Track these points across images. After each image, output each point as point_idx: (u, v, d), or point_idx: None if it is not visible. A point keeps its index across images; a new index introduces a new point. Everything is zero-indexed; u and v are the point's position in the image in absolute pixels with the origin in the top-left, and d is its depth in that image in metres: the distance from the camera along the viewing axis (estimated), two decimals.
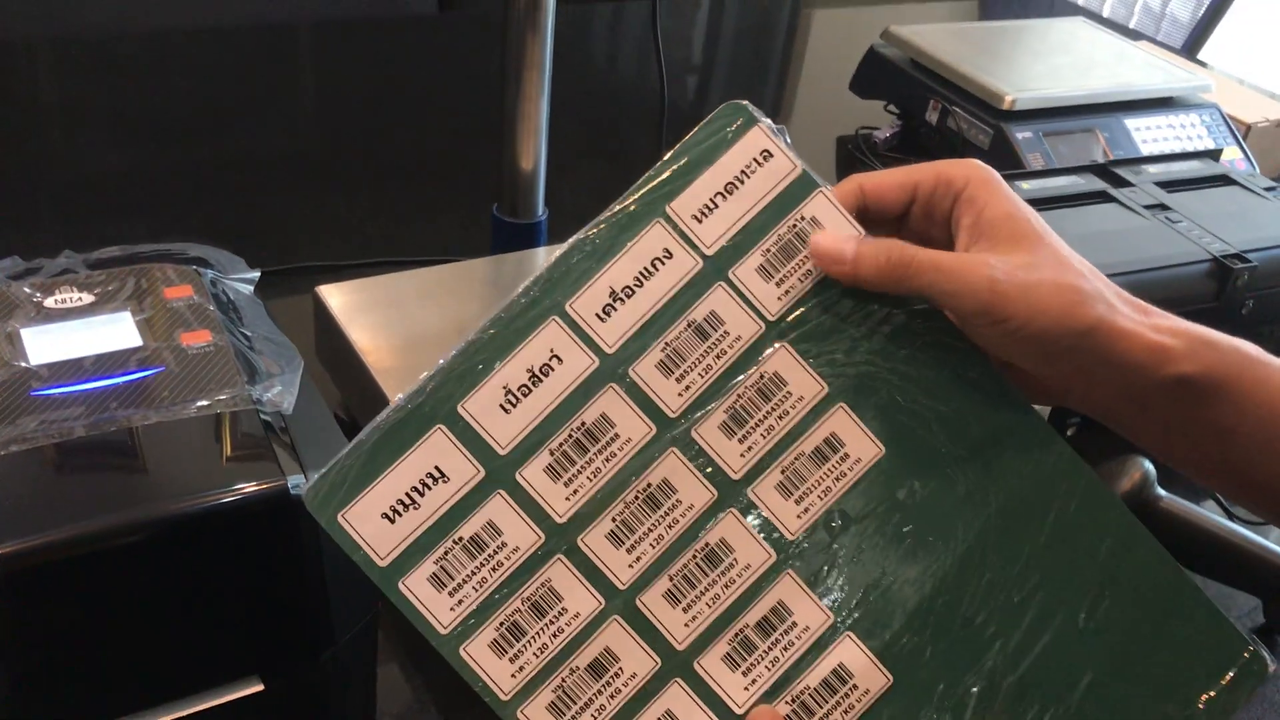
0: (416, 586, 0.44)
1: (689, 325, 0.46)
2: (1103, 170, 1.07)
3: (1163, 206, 1.02)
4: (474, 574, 0.44)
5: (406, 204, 1.19)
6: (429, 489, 0.44)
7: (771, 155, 0.47)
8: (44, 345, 0.58)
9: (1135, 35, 1.70)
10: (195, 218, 1.12)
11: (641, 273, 0.46)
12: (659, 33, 0.97)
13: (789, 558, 0.46)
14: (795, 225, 0.47)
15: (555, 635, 0.44)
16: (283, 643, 0.58)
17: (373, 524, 0.43)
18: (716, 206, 0.47)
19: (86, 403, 0.55)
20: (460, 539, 0.44)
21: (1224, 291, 0.95)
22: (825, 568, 0.46)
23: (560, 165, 1.01)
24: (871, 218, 0.48)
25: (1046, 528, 0.47)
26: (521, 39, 0.87)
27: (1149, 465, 0.80)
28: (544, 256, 0.96)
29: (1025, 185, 1.02)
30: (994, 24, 1.58)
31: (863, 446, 0.47)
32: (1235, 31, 1.92)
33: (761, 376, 0.46)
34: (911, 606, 0.46)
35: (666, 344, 0.46)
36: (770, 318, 0.47)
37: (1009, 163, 1.19)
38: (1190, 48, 1.95)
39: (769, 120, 0.47)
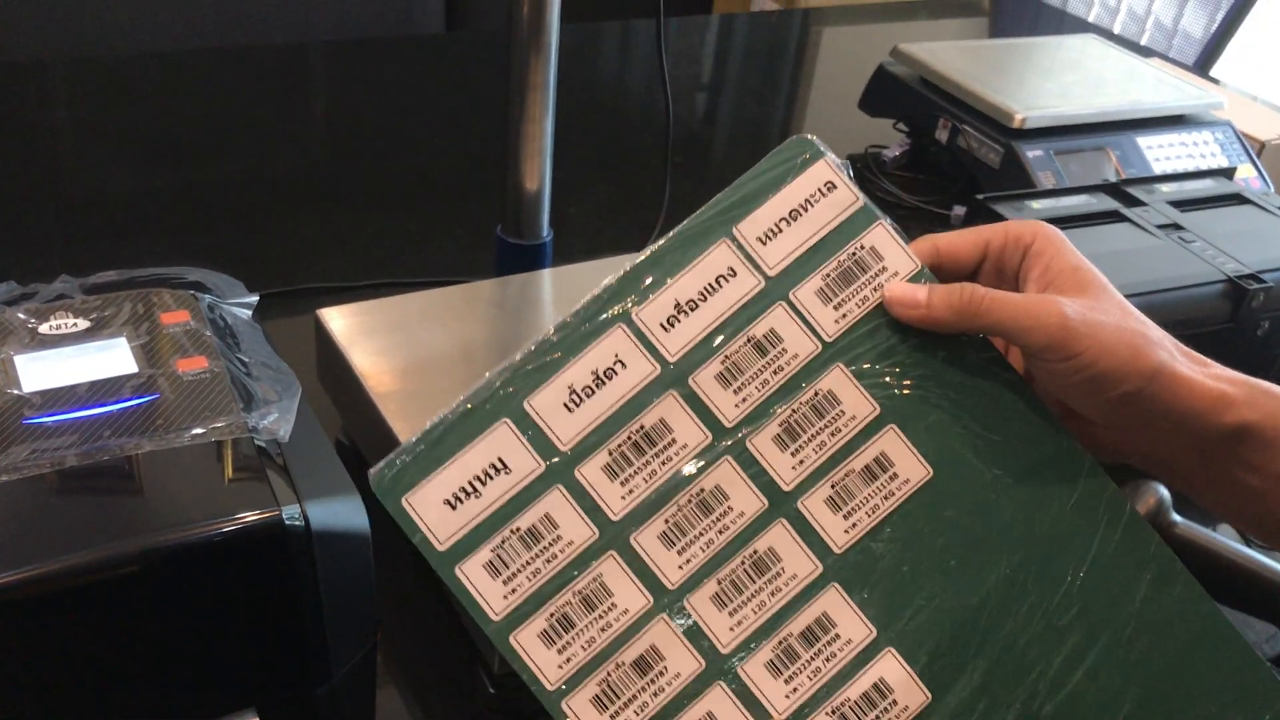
0: (472, 572, 0.45)
1: (749, 340, 0.48)
2: (1115, 189, 1.06)
3: (1176, 226, 1.00)
4: (529, 564, 0.45)
5: (410, 225, 1.19)
6: (491, 479, 0.45)
7: (835, 187, 0.50)
8: (38, 372, 0.57)
9: (1147, 52, 1.69)
10: (198, 238, 1.12)
11: (706, 288, 0.48)
12: (664, 51, 0.96)
13: (835, 571, 0.47)
14: (855, 253, 0.49)
15: (603, 630, 0.45)
16: (279, 675, 0.57)
17: (435, 509, 0.45)
18: (780, 231, 0.49)
19: (80, 431, 0.55)
20: (518, 529, 0.45)
21: (1238, 312, 0.93)
22: (870, 583, 0.47)
23: (565, 186, 1.00)
24: (945, 275, 0.50)
25: (1088, 558, 0.48)
26: (525, 60, 0.86)
27: (1164, 490, 0.78)
28: (549, 278, 0.95)
29: (1036, 205, 1.00)
30: (1004, 42, 1.57)
31: (912, 468, 0.48)
32: (1248, 48, 1.91)
33: (816, 394, 0.48)
34: (953, 627, 0.47)
35: (726, 357, 0.48)
36: (827, 339, 0.49)
37: (1019, 181, 1.18)
38: (1203, 64, 1.94)
39: (834, 155, 0.50)
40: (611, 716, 0.45)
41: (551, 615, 0.45)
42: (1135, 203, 1.04)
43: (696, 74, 1.69)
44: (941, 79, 1.33)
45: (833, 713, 0.46)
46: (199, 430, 0.56)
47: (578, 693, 0.45)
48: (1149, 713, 0.47)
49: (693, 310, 0.48)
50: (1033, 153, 1.21)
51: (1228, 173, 1.14)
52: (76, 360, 0.59)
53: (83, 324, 0.61)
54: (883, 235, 0.50)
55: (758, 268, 0.49)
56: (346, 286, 1.04)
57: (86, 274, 0.65)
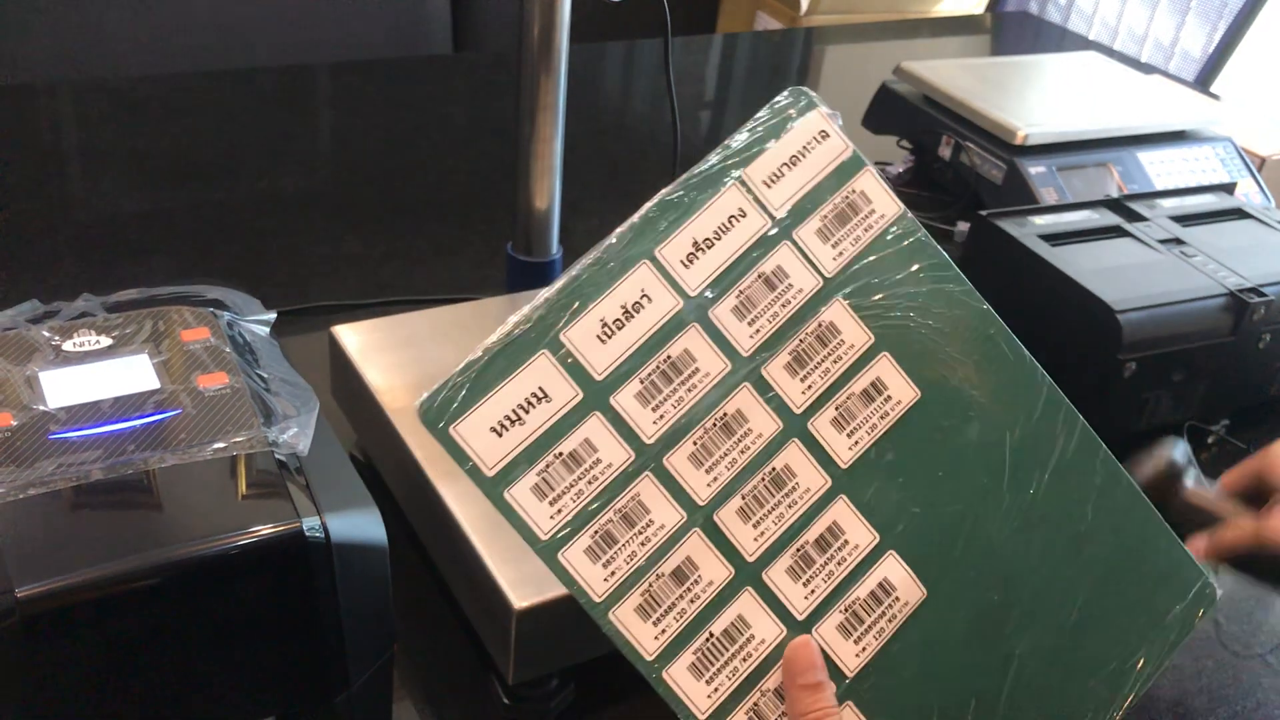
0: (520, 495, 0.48)
1: (759, 276, 0.52)
2: (1117, 204, 1.07)
3: (1177, 241, 1.01)
4: (572, 486, 0.48)
5: (422, 243, 1.20)
6: (533, 407, 0.48)
7: (828, 136, 0.54)
8: (62, 388, 0.59)
9: (1147, 69, 1.70)
10: (213, 258, 1.13)
11: (720, 227, 0.52)
12: (671, 71, 0.98)
13: (842, 484, 0.52)
14: (848, 196, 0.54)
15: (643, 544, 0.49)
16: (298, 684, 0.58)
17: (482, 437, 0.47)
18: (783, 175, 0.53)
19: (104, 445, 0.56)
20: (560, 454, 0.48)
21: (1240, 325, 0.94)
22: (872, 494, 0.52)
23: (574, 204, 1.01)
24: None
25: (1050, 466, 0.55)
26: (535, 80, 0.87)
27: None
28: None
29: (1039, 221, 1.02)
30: (1006, 59, 1.59)
31: (902, 390, 0.53)
32: (1248, 64, 1.92)
33: (820, 325, 0.53)
34: (942, 530, 0.53)
35: (740, 291, 0.52)
36: (827, 274, 0.53)
37: (1022, 198, 1.19)
38: (1203, 80, 1.96)
39: (826, 106, 0.55)
40: (654, 623, 0.49)
41: (595, 533, 0.48)
42: (1137, 218, 1.05)
43: (701, 93, 1.71)
44: (944, 96, 1.34)
45: (845, 610, 0.51)
46: (220, 444, 0.57)
47: (623, 603, 0.48)
48: (1102, 596, 0.55)
49: (709, 248, 0.51)
50: (1035, 169, 1.22)
51: (1228, 188, 1.16)
52: (100, 376, 0.60)
53: (105, 341, 0.62)
54: (870, 180, 0.54)
55: (765, 209, 0.53)
56: (360, 304, 1.05)
57: (104, 293, 0.66)
